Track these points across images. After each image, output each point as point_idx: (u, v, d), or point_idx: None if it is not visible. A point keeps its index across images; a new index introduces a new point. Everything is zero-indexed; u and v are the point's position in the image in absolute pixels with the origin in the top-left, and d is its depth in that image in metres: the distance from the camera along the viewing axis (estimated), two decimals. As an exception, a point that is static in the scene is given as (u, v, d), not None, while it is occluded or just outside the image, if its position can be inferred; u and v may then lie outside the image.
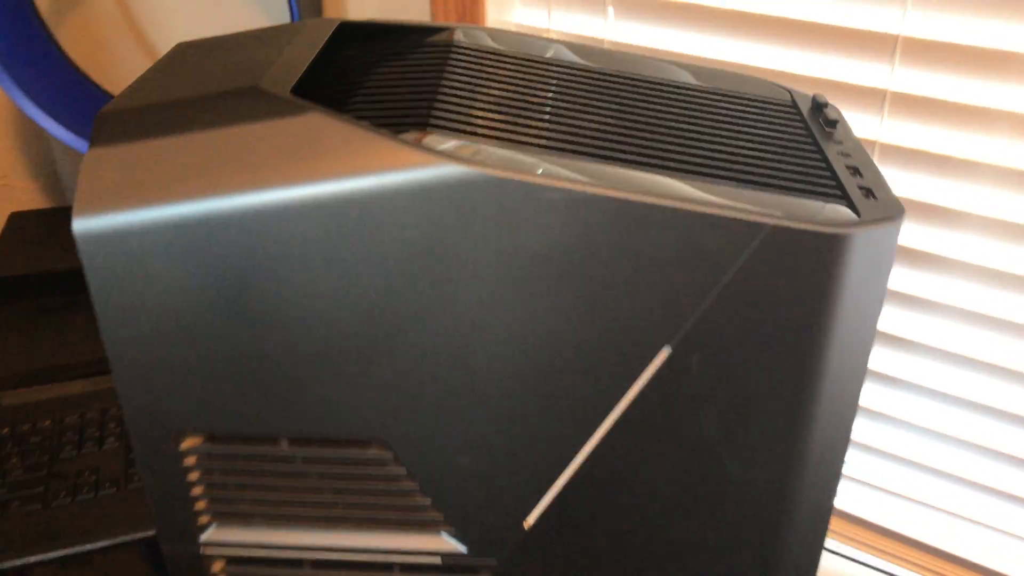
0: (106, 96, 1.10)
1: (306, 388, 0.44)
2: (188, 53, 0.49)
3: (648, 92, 0.51)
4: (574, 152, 0.42)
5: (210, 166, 0.40)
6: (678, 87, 0.52)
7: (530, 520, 0.47)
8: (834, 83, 0.75)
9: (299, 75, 0.44)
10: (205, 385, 0.44)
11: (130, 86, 0.45)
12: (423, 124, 0.42)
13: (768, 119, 0.50)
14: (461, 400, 0.44)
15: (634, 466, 0.45)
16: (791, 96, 0.53)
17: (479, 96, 0.47)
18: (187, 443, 0.47)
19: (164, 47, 1.15)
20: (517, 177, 0.38)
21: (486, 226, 0.39)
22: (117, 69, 1.19)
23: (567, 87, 0.49)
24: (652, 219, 0.39)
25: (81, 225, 0.40)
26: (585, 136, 0.44)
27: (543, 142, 0.43)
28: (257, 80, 0.43)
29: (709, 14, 0.79)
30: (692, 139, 0.46)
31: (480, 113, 0.45)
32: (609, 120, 0.46)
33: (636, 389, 0.42)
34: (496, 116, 0.45)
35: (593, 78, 0.51)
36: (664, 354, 0.42)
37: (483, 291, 0.41)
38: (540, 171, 0.39)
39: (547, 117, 0.45)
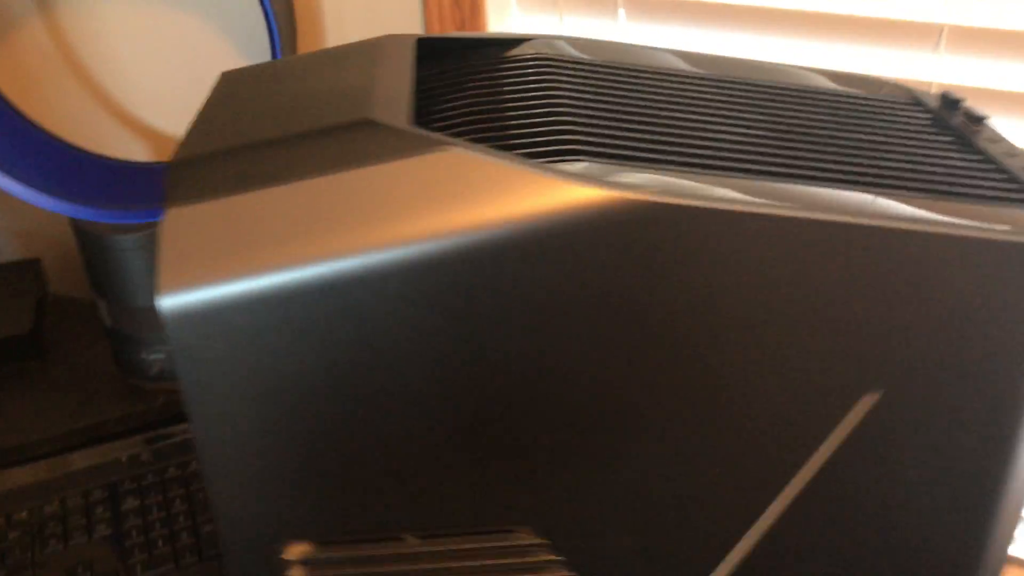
0: (44, 135, 0.99)
1: (442, 477, 0.37)
2: (243, 83, 0.41)
3: (787, 99, 0.45)
4: (745, 171, 0.36)
5: (331, 218, 0.32)
6: (812, 92, 0.46)
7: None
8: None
9: (408, 102, 0.36)
10: (319, 483, 0.37)
11: (193, 129, 0.37)
12: (575, 152, 0.36)
13: (911, 121, 0.45)
14: (629, 471, 0.37)
15: (819, 528, 0.39)
16: (912, 94, 0.49)
17: (615, 115, 0.40)
18: (293, 551, 0.39)
19: (106, 79, 1.04)
20: (713, 206, 0.32)
21: (676, 264, 0.33)
22: (51, 103, 1.08)
23: (701, 99, 0.43)
24: (877, 243, 0.33)
25: (170, 303, 0.32)
26: (747, 152, 0.38)
27: (708, 162, 0.37)
28: (366, 110, 0.35)
29: (727, 11, 0.75)
30: (852, 148, 0.41)
31: (627, 135, 0.38)
32: (762, 132, 0.41)
33: (836, 441, 0.37)
34: (646, 137, 0.38)
35: (722, 87, 0.45)
36: (870, 400, 0.36)
37: (668, 338, 0.34)
38: (733, 195, 0.33)
39: (698, 134, 0.39)
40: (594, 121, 0.39)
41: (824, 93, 0.46)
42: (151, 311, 0.79)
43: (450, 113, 0.40)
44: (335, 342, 0.33)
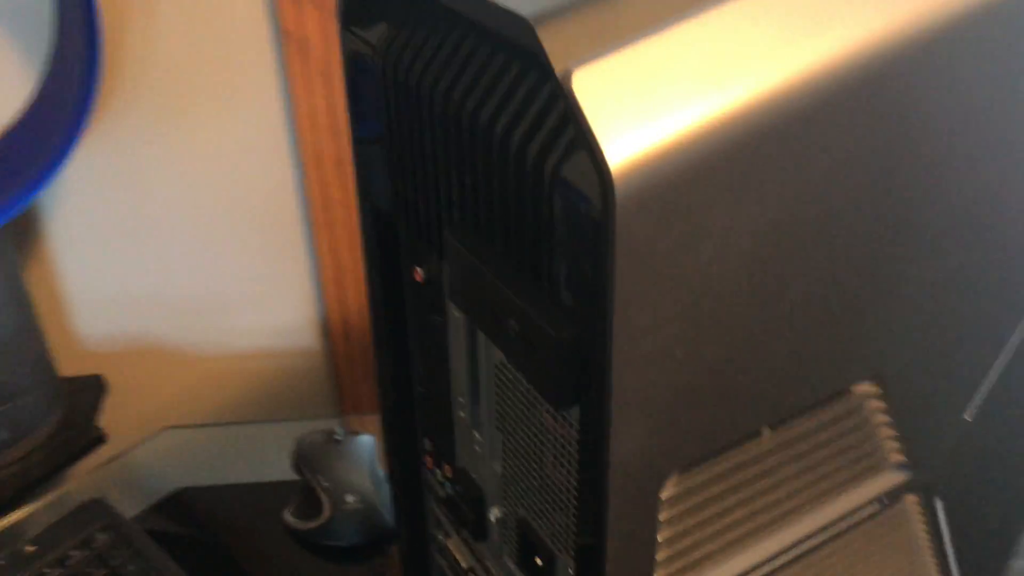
0: None
1: (801, 347, 0.32)
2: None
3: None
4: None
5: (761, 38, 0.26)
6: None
7: (970, 415, 0.41)
8: None
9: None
10: (714, 391, 0.30)
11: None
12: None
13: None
14: (954, 292, 0.36)
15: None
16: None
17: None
18: (668, 488, 0.32)
19: None
20: None
21: None
22: None
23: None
24: None
25: (617, 159, 0.24)
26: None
27: None
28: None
29: None
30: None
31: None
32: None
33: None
34: None
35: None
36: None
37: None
38: None
39: None
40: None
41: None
42: None
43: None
44: (787, 191, 0.27)
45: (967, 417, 0.41)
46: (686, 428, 0.30)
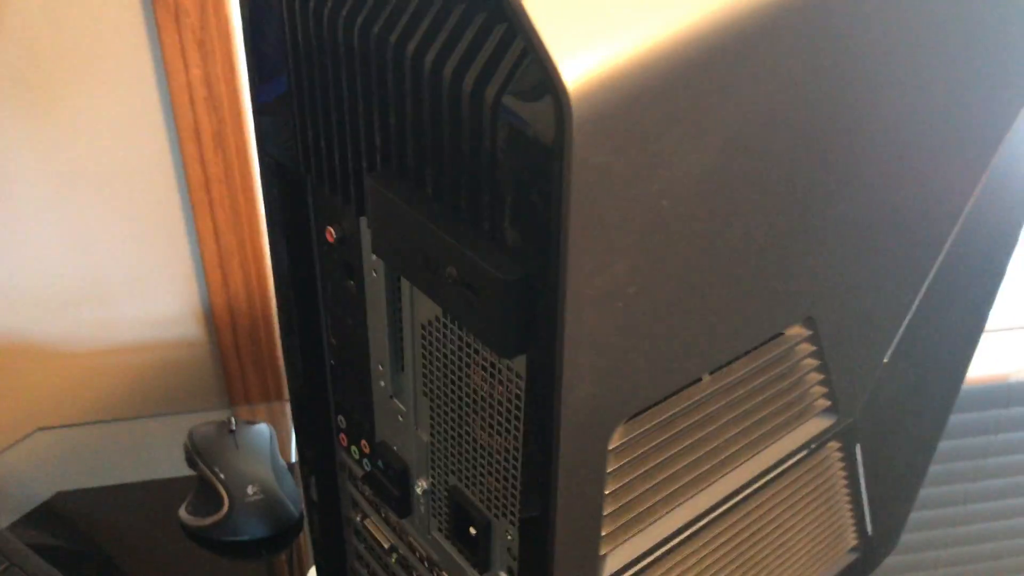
0: None
1: (738, 290, 0.32)
2: None
3: None
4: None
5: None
6: None
7: (887, 357, 0.42)
8: None
9: None
10: (661, 332, 0.29)
11: None
12: None
13: None
14: (880, 232, 0.36)
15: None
16: None
17: None
18: (616, 438, 0.30)
19: None
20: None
21: None
22: None
23: None
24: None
25: (573, 77, 0.22)
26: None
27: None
28: None
29: None
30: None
31: None
32: None
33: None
34: None
35: None
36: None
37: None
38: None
39: None
40: None
41: None
42: None
43: None
44: (736, 116, 0.26)
45: (885, 360, 0.42)
46: (634, 373, 0.29)
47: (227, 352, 0.88)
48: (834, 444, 0.43)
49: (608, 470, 0.31)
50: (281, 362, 0.89)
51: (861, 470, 0.47)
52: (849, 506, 0.49)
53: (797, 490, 0.43)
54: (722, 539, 0.40)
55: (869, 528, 0.53)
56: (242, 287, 0.85)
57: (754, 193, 0.29)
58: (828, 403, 0.40)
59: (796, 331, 0.36)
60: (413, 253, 0.30)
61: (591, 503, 0.31)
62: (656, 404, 0.32)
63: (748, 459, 0.38)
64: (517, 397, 0.30)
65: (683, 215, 0.27)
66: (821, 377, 0.39)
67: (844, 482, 0.47)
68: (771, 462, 0.39)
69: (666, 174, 0.25)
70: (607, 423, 0.29)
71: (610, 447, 0.30)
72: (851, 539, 0.52)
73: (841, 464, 0.45)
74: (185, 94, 0.75)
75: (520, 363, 0.29)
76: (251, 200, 0.81)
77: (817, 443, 0.41)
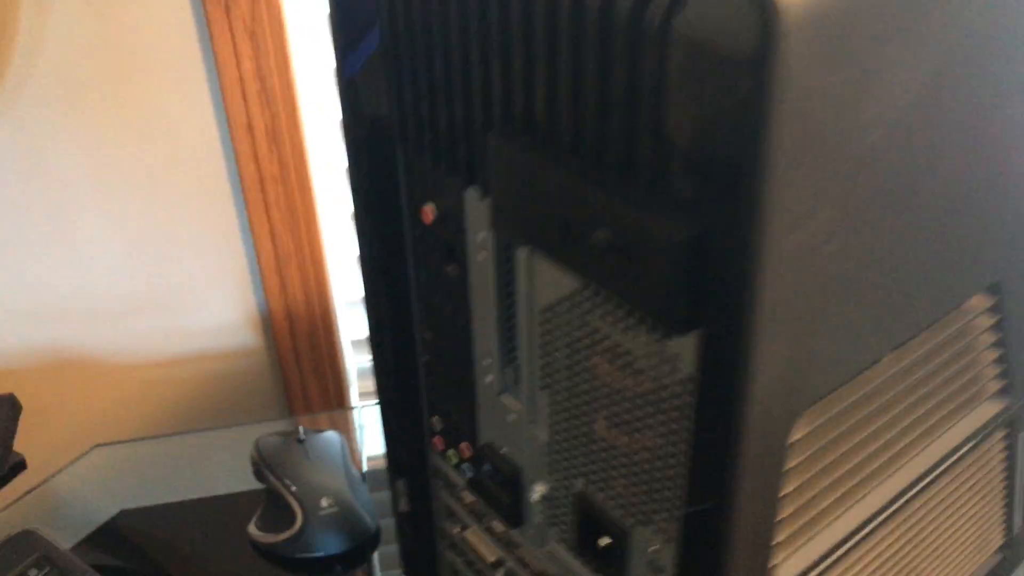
0: None
1: (941, 243, 0.27)
2: None
3: None
4: None
5: None
6: None
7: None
8: None
9: None
10: (852, 302, 0.24)
11: None
12: None
13: None
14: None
15: None
16: None
17: None
18: (798, 430, 0.25)
19: None
20: None
21: None
22: None
23: None
24: None
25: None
26: None
27: None
28: None
29: None
30: None
31: None
32: None
33: None
34: None
35: None
36: None
37: None
38: None
39: None
40: None
41: None
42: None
43: None
44: (946, 40, 0.21)
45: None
46: (822, 351, 0.24)
47: (286, 360, 0.84)
48: (999, 433, 0.38)
49: (785, 468, 0.26)
50: (343, 368, 0.85)
51: (1020, 461, 0.41)
52: (1003, 502, 0.44)
53: (960, 485, 0.38)
54: (883, 545, 0.35)
55: (1017, 525, 0.47)
56: (300, 291, 0.81)
57: (959, 129, 0.24)
58: (1002, 383, 0.35)
59: (977, 301, 0.31)
60: (549, 220, 0.25)
61: (766, 507, 0.26)
62: (837, 389, 0.27)
63: (919, 452, 0.33)
64: (678, 384, 0.25)
65: (891, 153, 0.22)
66: (997, 354, 0.34)
67: (1003, 475, 0.41)
68: (941, 455, 0.34)
69: (879, 99, 0.21)
70: (791, 412, 0.25)
71: (790, 440, 0.25)
72: (998, 538, 0.47)
73: (1003, 455, 0.40)
74: (237, 88, 0.71)
75: (681, 344, 0.24)
76: (308, 199, 0.77)
77: (988, 431, 0.36)
